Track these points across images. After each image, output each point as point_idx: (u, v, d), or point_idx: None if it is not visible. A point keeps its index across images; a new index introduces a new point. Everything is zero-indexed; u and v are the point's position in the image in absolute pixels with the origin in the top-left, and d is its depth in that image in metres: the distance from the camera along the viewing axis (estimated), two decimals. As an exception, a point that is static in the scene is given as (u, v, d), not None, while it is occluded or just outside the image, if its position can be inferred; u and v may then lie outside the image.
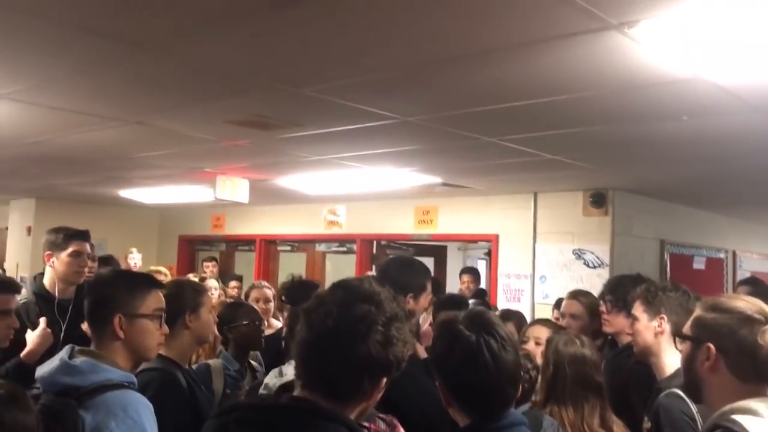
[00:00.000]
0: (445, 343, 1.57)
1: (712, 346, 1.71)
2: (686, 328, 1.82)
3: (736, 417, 1.55)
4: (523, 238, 6.98)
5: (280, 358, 3.22)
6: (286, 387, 2.23)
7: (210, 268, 7.77)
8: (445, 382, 1.58)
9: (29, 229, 9.99)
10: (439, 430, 1.92)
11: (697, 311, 1.82)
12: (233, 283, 7.10)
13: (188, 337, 2.68)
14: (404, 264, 3.36)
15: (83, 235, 3.52)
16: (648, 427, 2.38)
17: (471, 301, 5.26)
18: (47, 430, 1.54)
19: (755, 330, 1.67)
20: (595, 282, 5.81)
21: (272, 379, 2.52)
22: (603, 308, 3.30)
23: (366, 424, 1.85)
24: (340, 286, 1.47)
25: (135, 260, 7.90)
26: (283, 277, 9.17)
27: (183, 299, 2.68)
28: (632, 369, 2.88)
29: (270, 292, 4.82)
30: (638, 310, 2.60)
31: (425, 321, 4.44)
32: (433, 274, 8.79)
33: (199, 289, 2.83)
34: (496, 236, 7.23)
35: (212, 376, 3.15)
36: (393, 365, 1.39)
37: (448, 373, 1.57)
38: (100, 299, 2.15)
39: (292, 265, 9.48)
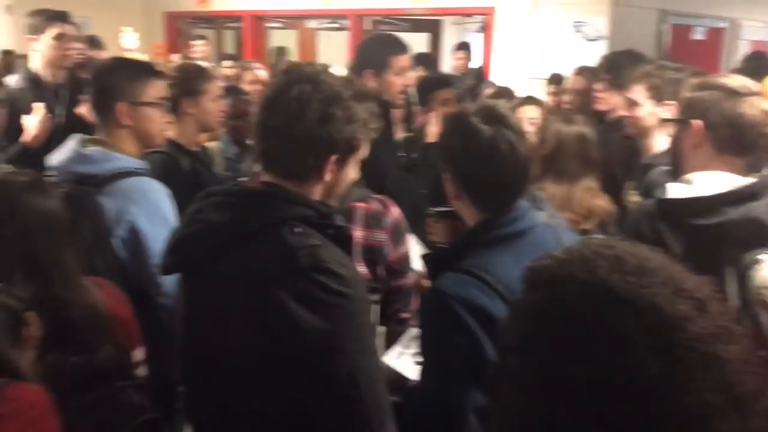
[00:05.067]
0: (460, 138, 1.56)
1: (698, 122, 1.80)
2: (674, 111, 1.89)
3: (669, 184, 1.75)
4: (520, 10, 6.76)
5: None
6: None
7: (199, 47, 6.98)
8: (457, 177, 1.59)
9: (8, 8, 9.57)
10: None
11: (685, 92, 1.89)
12: (227, 63, 6.78)
13: (191, 123, 2.72)
14: (368, 40, 3.32)
15: (63, 16, 3.41)
16: (635, 200, 2.52)
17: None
18: (72, 215, 1.63)
19: (739, 101, 1.76)
20: (592, 56, 5.74)
21: None
22: (598, 86, 3.32)
23: (360, 204, 1.96)
24: (283, 71, 1.50)
25: (129, 41, 7.40)
26: (273, 58, 9.02)
27: (184, 84, 2.68)
28: (618, 143, 2.98)
29: (264, 74, 4.76)
30: (640, 95, 2.60)
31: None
32: (428, 50, 8.65)
33: (203, 76, 2.79)
34: (493, 9, 7.00)
35: (212, 159, 3.23)
36: (337, 143, 1.43)
37: (462, 167, 1.58)
38: (102, 88, 2.17)
39: (282, 44, 9.27)
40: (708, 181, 1.76)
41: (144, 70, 2.23)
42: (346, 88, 1.46)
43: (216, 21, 9.89)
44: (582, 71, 3.79)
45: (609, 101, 3.24)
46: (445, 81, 3.77)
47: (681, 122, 1.89)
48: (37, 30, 3.34)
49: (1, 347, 1.17)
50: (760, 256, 1.66)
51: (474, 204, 1.60)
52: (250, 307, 1.37)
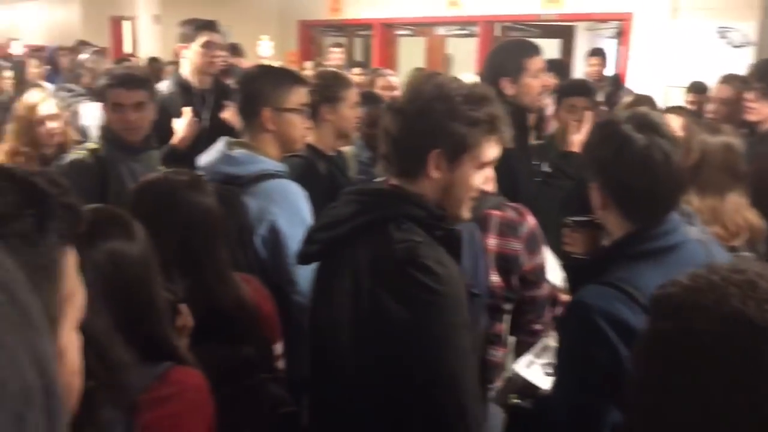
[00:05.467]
0: (612, 146, 1.51)
1: None
2: None
3: None
4: (660, 15, 6.48)
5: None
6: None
7: (336, 55, 7.15)
8: (606, 186, 1.54)
9: (157, 18, 10.28)
10: None
11: None
12: (356, 71, 6.97)
13: (329, 129, 2.79)
14: (499, 48, 3.30)
15: (212, 26, 3.61)
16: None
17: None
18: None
19: None
20: (738, 64, 5.41)
21: None
22: (749, 95, 3.12)
23: (495, 211, 1.94)
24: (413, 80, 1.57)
25: (265, 49, 7.76)
26: (402, 65, 9.12)
27: (323, 91, 2.76)
28: (768, 156, 2.79)
29: (396, 80, 4.83)
30: None
31: (547, 106, 4.35)
32: (559, 56, 8.46)
33: (342, 83, 2.86)
34: (631, 14, 6.75)
35: (346, 163, 3.31)
36: (437, 137, 1.45)
37: (613, 176, 1.53)
38: (248, 94, 2.28)
39: (411, 52, 9.36)
40: None
41: (288, 78, 2.33)
42: (459, 88, 1.48)
43: (347, 29, 10.15)
44: (729, 79, 3.57)
45: (761, 111, 3.05)
46: (581, 88, 3.67)
47: None
48: (187, 38, 3.55)
49: (167, 333, 1.25)
50: None
51: (622, 215, 1.54)
52: (352, 295, 1.44)
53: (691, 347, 0.76)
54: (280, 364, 1.74)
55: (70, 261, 0.59)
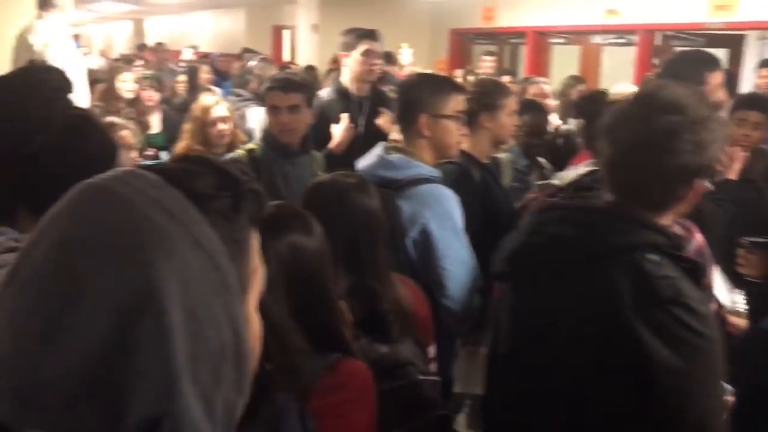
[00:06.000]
0: None
1: None
2: None
3: None
4: None
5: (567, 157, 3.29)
6: (579, 185, 2.24)
7: (488, 63, 7.12)
8: None
9: (315, 27, 10.74)
10: None
11: None
12: (505, 78, 6.92)
13: (485, 136, 2.80)
14: (678, 58, 3.15)
15: (372, 35, 3.73)
16: None
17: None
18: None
19: None
20: None
21: (565, 174, 2.57)
22: None
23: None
24: (639, 98, 1.43)
25: (406, 56, 7.81)
26: (555, 74, 8.94)
27: (483, 99, 2.78)
28: None
29: (548, 89, 4.76)
30: None
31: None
32: (727, 67, 7.95)
33: (501, 91, 2.87)
34: (810, 22, 6.23)
35: (501, 170, 3.31)
36: (707, 167, 1.36)
37: None
38: (407, 100, 2.35)
39: (564, 60, 9.17)
40: None
41: (446, 85, 2.38)
42: (707, 106, 1.40)
43: (498, 37, 10.10)
44: None
45: None
46: (755, 102, 3.45)
47: None
48: (348, 47, 3.70)
49: (339, 325, 1.32)
50: None
51: None
52: (596, 327, 1.33)
53: None
54: (433, 367, 1.77)
55: (255, 242, 0.66)
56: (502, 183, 3.07)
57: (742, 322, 1.71)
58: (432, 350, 1.79)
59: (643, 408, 1.28)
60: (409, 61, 7.83)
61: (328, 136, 3.38)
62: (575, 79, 5.76)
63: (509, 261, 1.49)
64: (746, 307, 1.82)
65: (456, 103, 2.32)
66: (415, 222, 2.19)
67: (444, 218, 2.20)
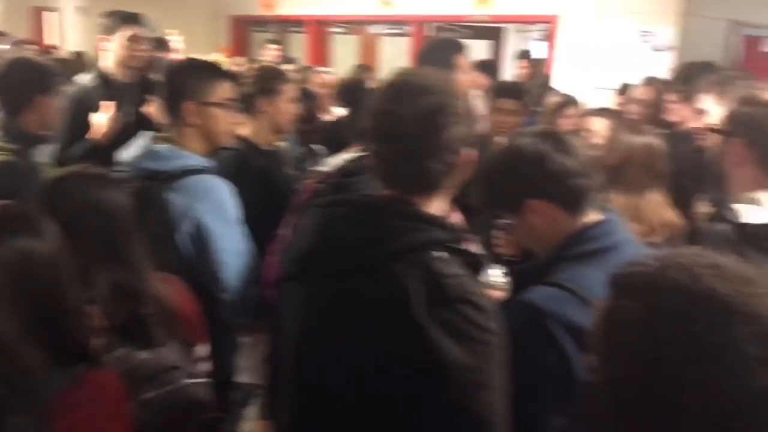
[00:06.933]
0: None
1: (742, 140, 1.72)
2: (721, 122, 1.82)
3: (737, 206, 1.65)
4: (586, 18, 6.65)
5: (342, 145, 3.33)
6: (345, 171, 2.23)
7: (272, 51, 6.96)
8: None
9: (82, 10, 9.93)
10: None
11: (734, 105, 1.81)
12: (290, 67, 6.84)
13: (265, 122, 2.76)
14: (429, 46, 3.36)
15: (135, 19, 3.52)
16: (705, 211, 2.44)
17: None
18: (140, 210, 1.66)
19: None
20: (659, 66, 5.60)
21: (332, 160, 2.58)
22: (670, 96, 3.24)
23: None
24: (391, 87, 1.43)
25: (175, 43, 7.48)
26: (336, 63, 9.08)
27: (261, 83, 2.73)
28: (688, 156, 2.89)
29: (331, 77, 4.80)
30: (707, 104, 2.54)
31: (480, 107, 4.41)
32: (490, 57, 8.58)
33: (280, 77, 2.84)
34: (557, 17, 6.90)
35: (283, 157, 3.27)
36: (470, 136, 1.40)
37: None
38: (172, 87, 2.21)
39: (344, 49, 9.34)
40: None
41: (212, 72, 2.28)
42: (452, 83, 1.44)
43: (280, 25, 10.04)
44: (651, 81, 3.70)
45: (680, 113, 3.16)
46: (512, 91, 3.74)
47: (726, 136, 1.81)
48: (109, 30, 3.45)
49: (82, 335, 1.19)
50: None
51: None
52: (386, 328, 1.31)
53: (664, 322, 0.78)
54: (205, 367, 1.69)
55: None
56: (285, 170, 3.04)
57: (498, 295, 1.82)
58: (203, 349, 1.71)
59: (435, 405, 1.29)
60: (180, 48, 7.45)
61: (86, 125, 3.13)
62: (363, 68, 5.87)
63: (298, 263, 1.44)
64: (504, 281, 1.95)
65: (223, 89, 2.23)
66: (187, 216, 2.08)
67: (218, 210, 2.12)
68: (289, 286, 1.48)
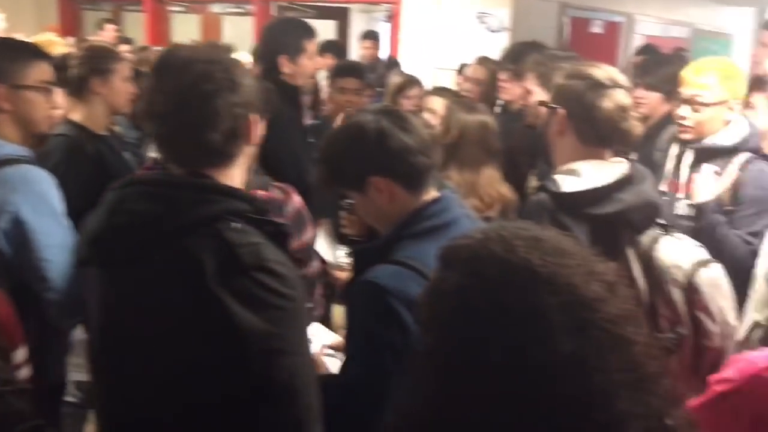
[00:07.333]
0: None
1: (562, 110, 1.83)
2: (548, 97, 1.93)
3: (557, 176, 1.78)
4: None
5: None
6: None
7: (109, 31, 6.74)
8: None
9: None
10: None
11: (559, 79, 1.93)
12: (125, 48, 6.54)
13: (99, 105, 2.60)
14: (278, 25, 3.34)
15: None
16: (535, 185, 2.58)
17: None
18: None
19: (599, 93, 1.79)
20: (495, 47, 5.84)
21: None
22: (502, 75, 3.37)
23: (261, 192, 1.92)
24: (155, 70, 1.41)
25: None
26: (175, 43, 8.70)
27: (93, 63, 2.57)
28: (521, 132, 3.04)
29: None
30: (532, 83, 2.67)
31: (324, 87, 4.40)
32: (336, 38, 8.59)
33: (113, 56, 2.70)
34: (400, -2, 7.01)
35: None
36: (249, 102, 1.39)
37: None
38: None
39: (185, 29, 8.98)
40: (594, 171, 1.79)
41: (26, 52, 2.09)
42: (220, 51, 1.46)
43: (114, 3, 9.46)
44: (482, 61, 3.84)
45: (512, 91, 3.30)
46: (352, 69, 3.73)
47: (550, 109, 1.92)
48: None
49: None
50: (655, 236, 1.71)
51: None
52: (184, 304, 1.29)
53: (479, 291, 0.81)
54: (24, 372, 1.56)
55: None
56: (122, 156, 2.88)
57: (344, 275, 1.83)
58: (20, 354, 1.58)
59: (239, 376, 1.29)
60: (2, 28, 6.84)
61: None
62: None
63: (91, 245, 1.37)
64: (348, 262, 1.97)
65: (40, 71, 2.06)
66: (2, 211, 1.90)
67: (39, 203, 1.95)
68: (87, 273, 1.42)
